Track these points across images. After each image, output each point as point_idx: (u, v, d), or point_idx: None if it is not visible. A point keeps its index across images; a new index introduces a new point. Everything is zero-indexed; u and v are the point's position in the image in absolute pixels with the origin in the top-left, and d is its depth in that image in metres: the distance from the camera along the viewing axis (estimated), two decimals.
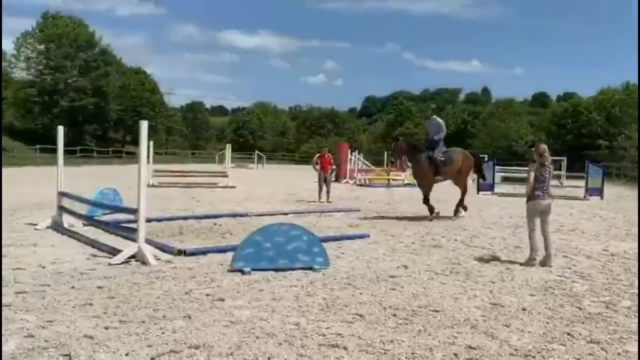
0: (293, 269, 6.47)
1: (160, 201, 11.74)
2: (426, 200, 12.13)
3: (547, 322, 4.77)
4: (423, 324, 4.62)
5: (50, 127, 51.41)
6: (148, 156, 9.31)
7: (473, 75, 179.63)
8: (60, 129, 9.18)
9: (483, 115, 72.00)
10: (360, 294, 5.60)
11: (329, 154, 17.13)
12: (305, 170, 33.98)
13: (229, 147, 23.47)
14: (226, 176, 22.06)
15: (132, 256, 6.63)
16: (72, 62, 54.23)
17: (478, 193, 19.95)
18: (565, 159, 28.54)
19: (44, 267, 6.24)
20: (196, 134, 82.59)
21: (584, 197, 19.41)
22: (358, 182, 26.16)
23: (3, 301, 4.76)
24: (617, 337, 4.45)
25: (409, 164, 15.12)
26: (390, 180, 25.73)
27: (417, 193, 13.33)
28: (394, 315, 4.85)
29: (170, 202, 12.33)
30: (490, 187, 20.99)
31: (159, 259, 6.67)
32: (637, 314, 5.07)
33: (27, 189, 16.70)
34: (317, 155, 17.52)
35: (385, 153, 35.57)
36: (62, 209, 9.13)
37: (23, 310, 4.58)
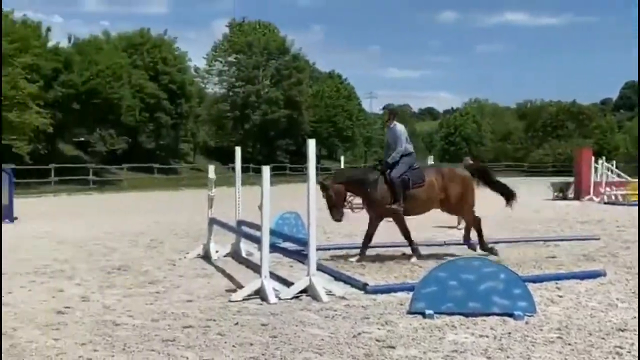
0: (487, 315, 5.54)
1: (348, 225, 10.12)
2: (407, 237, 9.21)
3: None
4: None
5: (242, 144, 32.87)
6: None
7: None
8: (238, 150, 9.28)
9: None
10: (572, 350, 4.61)
11: None
12: (536, 184, 28.88)
13: (430, 159, 20.24)
14: None
15: (304, 290, 6.38)
16: (264, 71, 53.58)
17: None
18: None
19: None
20: None
21: None
22: (606, 200, 21.62)
23: (167, 336, 5.07)
24: None
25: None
26: None
27: None
28: None
29: (360, 226, 9.91)
30: None
31: (332, 295, 6.37)
32: None
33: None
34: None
35: None
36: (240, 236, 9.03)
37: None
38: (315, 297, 6.30)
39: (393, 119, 9.51)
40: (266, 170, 6.60)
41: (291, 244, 8.63)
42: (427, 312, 5.61)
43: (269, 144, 56.61)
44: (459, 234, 12.16)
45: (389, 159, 9.16)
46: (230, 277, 7.70)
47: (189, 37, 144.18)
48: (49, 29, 38.25)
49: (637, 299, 6.23)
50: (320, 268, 7.07)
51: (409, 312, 5.72)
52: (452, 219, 13.43)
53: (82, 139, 43.67)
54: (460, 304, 5.67)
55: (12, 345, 4.84)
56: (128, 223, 15.18)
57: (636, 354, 4.53)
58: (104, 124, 40.95)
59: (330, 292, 6.46)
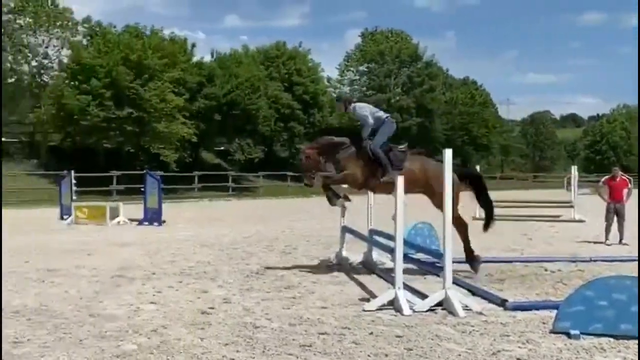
0: None
1: (487, 237, 9.19)
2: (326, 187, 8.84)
3: None
4: None
5: None
6: None
7: None
8: None
9: None
10: None
11: (624, 177, 12.91)
12: None
13: (574, 169, 19.31)
14: (572, 207, 18.17)
15: (439, 304, 6.30)
16: (395, 80, 54.74)
17: None
18: None
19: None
20: (540, 152, 75.98)
21: None
22: None
23: (304, 341, 5.20)
24: None
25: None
26: None
27: None
28: None
29: (497, 240, 10.49)
30: None
31: (468, 309, 6.20)
32: None
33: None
34: (605, 178, 13.18)
35: None
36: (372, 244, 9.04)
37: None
38: (451, 311, 6.15)
39: (348, 104, 9.09)
40: (400, 180, 6.56)
41: (424, 255, 8.43)
42: (573, 332, 5.30)
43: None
44: (606, 250, 11.37)
45: (363, 135, 8.70)
46: (362, 286, 7.75)
47: (322, 48, 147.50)
48: (193, 45, 41.19)
49: None
50: (455, 281, 6.88)
51: (552, 332, 5.43)
52: (600, 234, 12.55)
53: (223, 148, 46.26)
54: (610, 326, 5.29)
55: (162, 342, 5.16)
56: (264, 229, 15.84)
57: None
58: (242, 133, 43.26)
59: (466, 306, 6.28)
